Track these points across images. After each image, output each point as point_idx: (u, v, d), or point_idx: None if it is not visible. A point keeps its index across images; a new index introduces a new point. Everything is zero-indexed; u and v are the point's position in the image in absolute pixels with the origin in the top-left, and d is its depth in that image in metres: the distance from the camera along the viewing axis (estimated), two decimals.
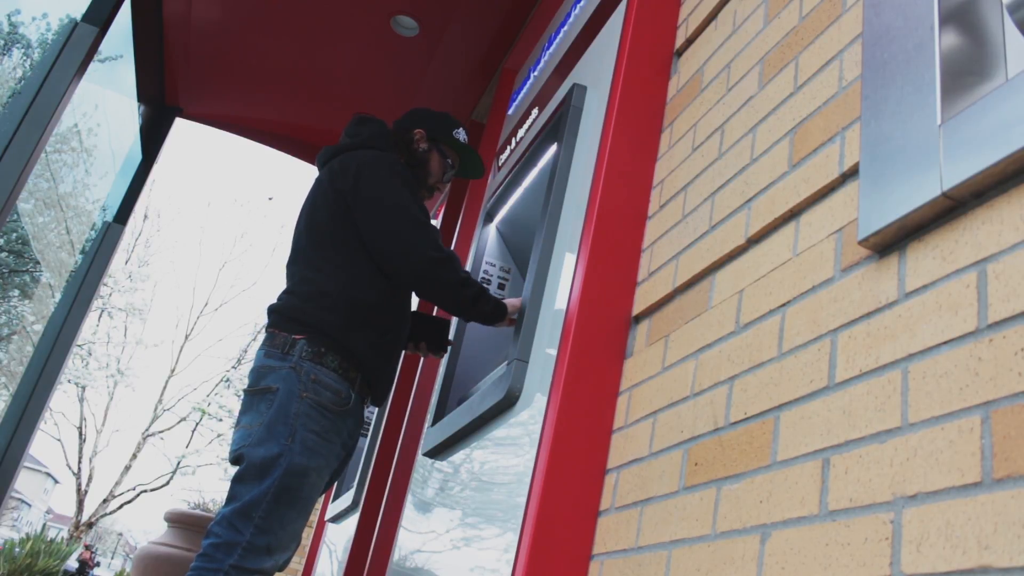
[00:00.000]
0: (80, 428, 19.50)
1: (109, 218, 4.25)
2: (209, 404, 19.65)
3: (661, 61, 1.83)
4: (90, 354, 18.86)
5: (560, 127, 2.01)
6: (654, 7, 1.87)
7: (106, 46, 3.14)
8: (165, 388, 20.47)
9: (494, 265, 2.60)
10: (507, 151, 2.69)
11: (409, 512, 2.30)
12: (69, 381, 18.26)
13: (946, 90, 0.88)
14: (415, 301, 3.34)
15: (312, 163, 4.82)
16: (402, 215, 2.00)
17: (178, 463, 19.89)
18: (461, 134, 2.32)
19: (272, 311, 2.02)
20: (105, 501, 19.68)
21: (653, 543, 1.22)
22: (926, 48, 0.92)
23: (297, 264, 2.08)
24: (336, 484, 3.63)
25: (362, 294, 1.99)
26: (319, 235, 2.06)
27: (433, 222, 3.85)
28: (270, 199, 34.63)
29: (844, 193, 1.06)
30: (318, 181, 2.16)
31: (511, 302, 2.06)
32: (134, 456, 19.70)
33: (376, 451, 3.15)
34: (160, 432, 20.10)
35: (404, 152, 2.25)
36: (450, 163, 2.31)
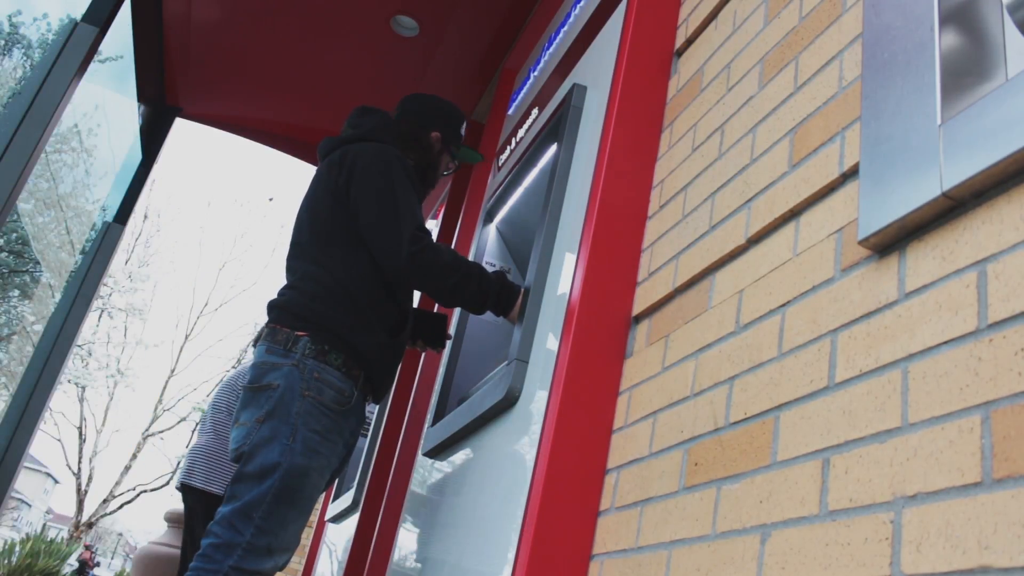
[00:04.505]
0: (80, 428, 19.52)
1: (109, 218, 4.24)
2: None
3: (661, 61, 1.83)
4: (90, 354, 18.87)
5: (560, 127, 2.01)
6: (654, 7, 1.86)
7: (106, 46, 3.13)
8: (165, 388, 20.50)
9: (494, 265, 2.61)
10: (507, 151, 2.69)
11: (409, 512, 2.30)
12: (69, 381, 18.26)
13: (946, 90, 0.88)
14: (415, 297, 3.35)
15: (312, 163, 4.82)
16: (398, 211, 1.97)
17: (178, 463, 19.90)
18: (463, 129, 2.36)
19: (273, 307, 1.98)
20: (105, 501, 19.70)
21: (653, 543, 1.22)
22: (926, 48, 0.92)
23: (299, 259, 2.04)
24: (336, 484, 3.63)
25: (365, 291, 1.96)
26: (320, 229, 2.02)
27: (433, 222, 3.90)
28: (270, 200, 34.64)
29: (844, 193, 1.06)
30: (318, 173, 2.13)
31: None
32: (134, 456, 19.72)
33: (376, 451, 3.15)
34: (160, 432, 20.13)
35: (415, 149, 2.23)
36: (453, 158, 2.34)
